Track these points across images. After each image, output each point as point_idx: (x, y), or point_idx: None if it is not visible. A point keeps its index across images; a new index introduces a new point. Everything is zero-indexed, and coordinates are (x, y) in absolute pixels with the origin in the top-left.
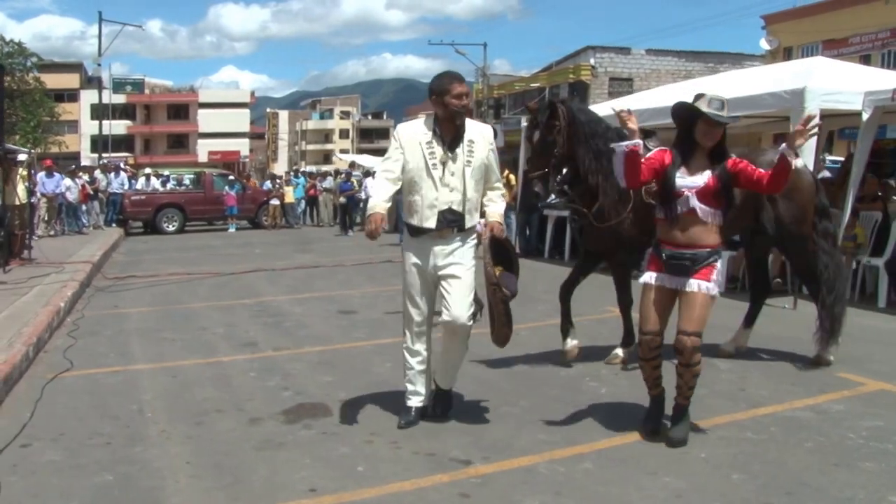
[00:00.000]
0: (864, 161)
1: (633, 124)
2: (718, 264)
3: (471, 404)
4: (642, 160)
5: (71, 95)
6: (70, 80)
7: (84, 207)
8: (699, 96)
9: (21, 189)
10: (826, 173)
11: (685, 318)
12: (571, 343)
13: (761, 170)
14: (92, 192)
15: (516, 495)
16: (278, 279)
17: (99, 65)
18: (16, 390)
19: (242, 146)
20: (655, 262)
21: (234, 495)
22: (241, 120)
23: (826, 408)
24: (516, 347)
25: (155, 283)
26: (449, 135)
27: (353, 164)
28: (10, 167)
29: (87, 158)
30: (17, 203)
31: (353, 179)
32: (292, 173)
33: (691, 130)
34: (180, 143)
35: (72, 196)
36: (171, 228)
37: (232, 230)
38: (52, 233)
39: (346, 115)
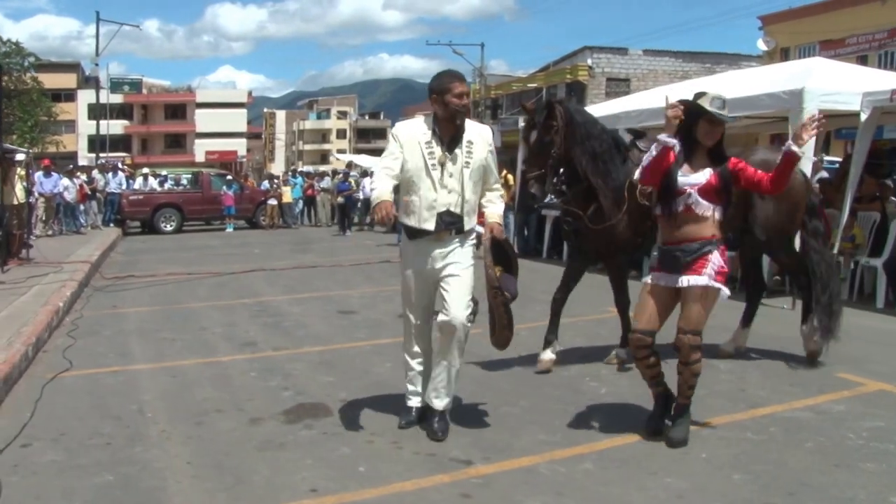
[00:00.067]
0: (862, 161)
1: (675, 120)
2: (712, 256)
3: (471, 404)
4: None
5: (68, 95)
6: (67, 80)
7: (82, 207)
8: (700, 95)
9: (19, 189)
10: (824, 174)
11: (683, 317)
12: (548, 356)
13: (759, 171)
14: (90, 192)
15: (518, 495)
16: (277, 279)
17: (96, 64)
18: (15, 390)
19: (240, 146)
20: (657, 262)
21: (235, 496)
22: (238, 120)
23: (826, 408)
24: (515, 348)
25: (153, 283)
26: (448, 135)
27: (350, 164)
28: (8, 167)
29: (84, 158)
30: (16, 203)
31: (351, 179)
32: (290, 173)
33: (692, 129)
34: (177, 142)
35: (70, 196)
36: (168, 228)
37: (230, 230)
38: (49, 232)
39: (343, 115)
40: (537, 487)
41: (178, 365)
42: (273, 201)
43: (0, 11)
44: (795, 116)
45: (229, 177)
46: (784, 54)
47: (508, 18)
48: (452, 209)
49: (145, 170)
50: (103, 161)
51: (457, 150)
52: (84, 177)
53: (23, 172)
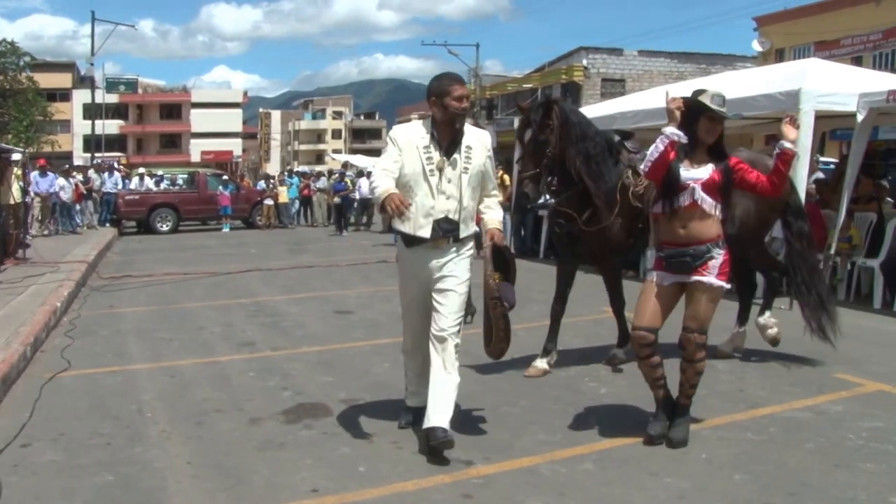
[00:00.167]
0: (858, 162)
1: (678, 112)
2: (720, 256)
3: (471, 405)
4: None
5: (63, 95)
6: (62, 80)
7: (78, 207)
8: (701, 92)
9: (16, 188)
10: (819, 174)
11: (689, 315)
12: (542, 365)
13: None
14: (86, 192)
15: (519, 496)
16: (274, 279)
17: (92, 64)
18: (14, 390)
19: (235, 146)
20: (658, 261)
21: (235, 496)
22: (233, 120)
23: (825, 408)
24: (514, 348)
25: (150, 283)
26: (447, 139)
27: (346, 164)
28: (4, 166)
29: (79, 158)
30: (12, 202)
31: (347, 179)
32: (286, 173)
33: (693, 126)
34: (173, 142)
35: (66, 195)
36: (164, 228)
37: (226, 230)
38: (46, 232)
39: (338, 115)
40: (538, 488)
41: (176, 365)
42: (269, 201)
43: None
44: None
45: (225, 177)
46: (779, 55)
47: (503, 18)
48: (450, 216)
49: (141, 170)
50: (99, 161)
51: (455, 155)
52: (80, 176)
53: (19, 172)
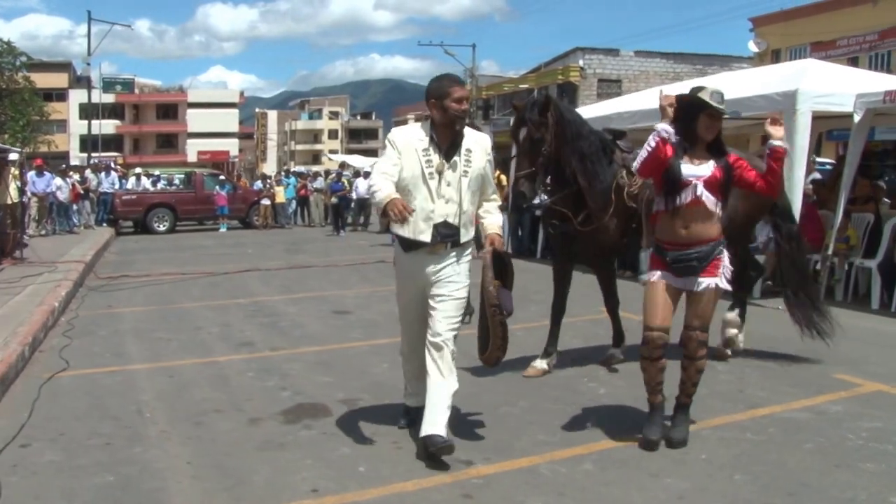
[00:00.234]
0: (855, 163)
1: (670, 108)
2: (724, 256)
3: (470, 405)
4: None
5: (59, 95)
6: (58, 80)
7: (75, 207)
8: (700, 89)
9: (13, 188)
10: (816, 175)
11: (692, 314)
12: (541, 366)
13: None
14: (83, 192)
15: (519, 496)
16: (271, 279)
17: (88, 64)
18: (12, 390)
19: (232, 146)
20: (659, 262)
21: (236, 496)
22: (230, 120)
23: (824, 409)
24: (512, 348)
25: (148, 283)
26: (446, 142)
27: (343, 165)
28: (1, 166)
29: (76, 158)
30: (9, 202)
31: (344, 179)
32: (283, 173)
33: (692, 124)
34: (169, 142)
35: (62, 195)
36: (161, 228)
37: (223, 230)
38: (43, 232)
39: (335, 115)
40: (538, 488)
41: (175, 365)
42: (266, 201)
43: None
44: (789, 118)
45: (222, 177)
46: (775, 56)
47: (499, 19)
48: (450, 220)
49: (138, 169)
50: (96, 161)
51: (455, 158)
52: (77, 176)
53: (16, 172)
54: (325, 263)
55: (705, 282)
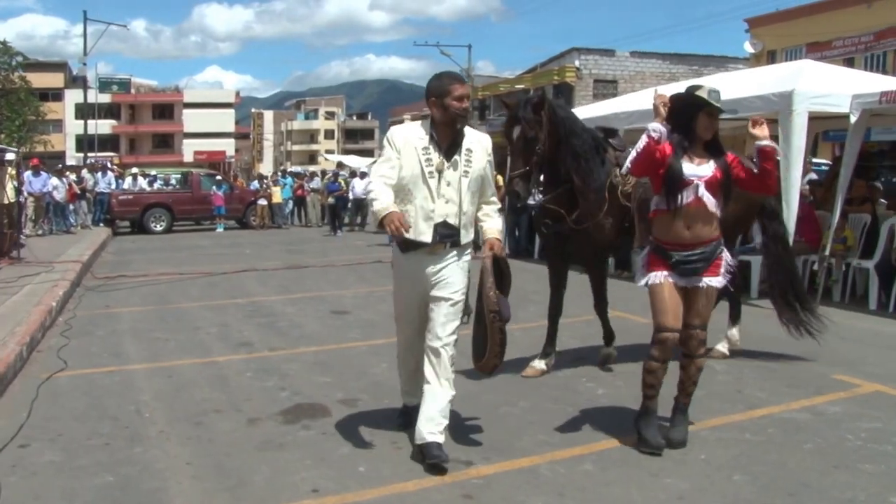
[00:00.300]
0: (852, 164)
1: (662, 107)
2: (725, 255)
3: (470, 405)
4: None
5: (55, 95)
6: (54, 80)
7: (71, 207)
8: (697, 88)
9: (10, 188)
10: (813, 175)
11: (692, 313)
12: (540, 366)
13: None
14: (79, 192)
15: (519, 496)
16: (269, 279)
17: (84, 64)
18: (11, 390)
19: (228, 146)
20: (661, 262)
21: (236, 497)
22: (226, 120)
23: (822, 409)
24: (511, 348)
25: (145, 283)
26: (447, 141)
27: (340, 165)
28: None
29: (72, 158)
30: (6, 202)
31: (341, 180)
32: (279, 174)
33: (691, 123)
34: (165, 142)
35: (59, 195)
36: (158, 228)
37: (220, 230)
38: (39, 232)
39: (330, 115)
40: (539, 488)
41: (173, 365)
42: (263, 201)
43: None
44: (785, 118)
45: (219, 177)
46: (771, 57)
47: (495, 19)
48: (449, 220)
49: (134, 169)
50: (92, 161)
51: (455, 157)
52: (73, 176)
53: (13, 172)
54: (323, 263)
55: (708, 281)
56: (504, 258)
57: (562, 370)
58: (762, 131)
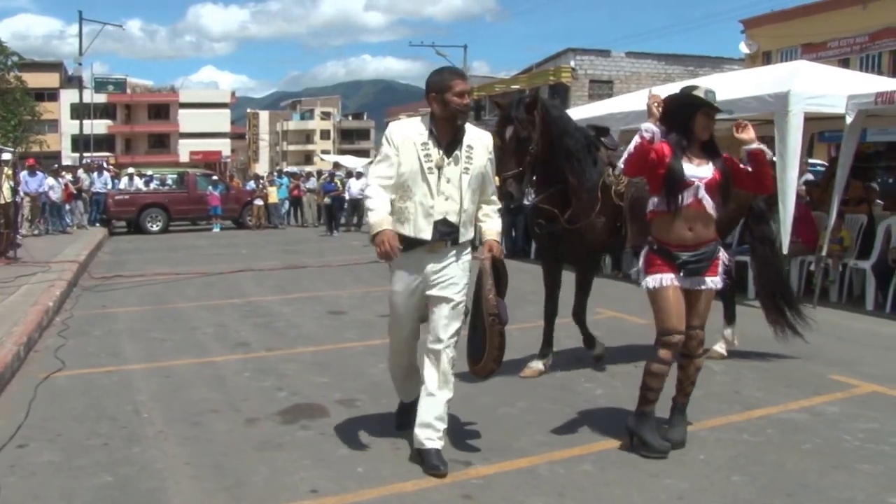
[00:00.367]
0: (848, 164)
1: (655, 108)
2: (723, 255)
3: (468, 405)
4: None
5: (51, 95)
6: (50, 80)
7: (68, 207)
8: (693, 88)
9: (6, 188)
10: (809, 176)
11: (694, 313)
12: (538, 366)
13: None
14: (75, 192)
15: (519, 496)
16: (266, 279)
17: (80, 64)
18: (9, 390)
19: (224, 146)
20: (665, 264)
21: (236, 497)
22: (221, 120)
23: (820, 410)
24: (508, 349)
25: (142, 283)
26: (447, 137)
27: (337, 165)
28: None
29: (67, 158)
30: (3, 202)
31: (337, 180)
32: (276, 174)
33: (688, 123)
34: (161, 142)
35: (55, 195)
36: (155, 228)
37: (216, 230)
38: (35, 232)
39: (326, 115)
40: (538, 488)
41: (171, 365)
42: (259, 202)
43: None
44: (781, 119)
45: (215, 177)
46: (766, 58)
47: (490, 19)
48: (449, 218)
49: (131, 169)
50: (88, 161)
51: (456, 153)
52: (69, 176)
53: (9, 172)
54: (319, 264)
55: (708, 281)
56: (502, 260)
57: (559, 371)
58: (748, 134)
